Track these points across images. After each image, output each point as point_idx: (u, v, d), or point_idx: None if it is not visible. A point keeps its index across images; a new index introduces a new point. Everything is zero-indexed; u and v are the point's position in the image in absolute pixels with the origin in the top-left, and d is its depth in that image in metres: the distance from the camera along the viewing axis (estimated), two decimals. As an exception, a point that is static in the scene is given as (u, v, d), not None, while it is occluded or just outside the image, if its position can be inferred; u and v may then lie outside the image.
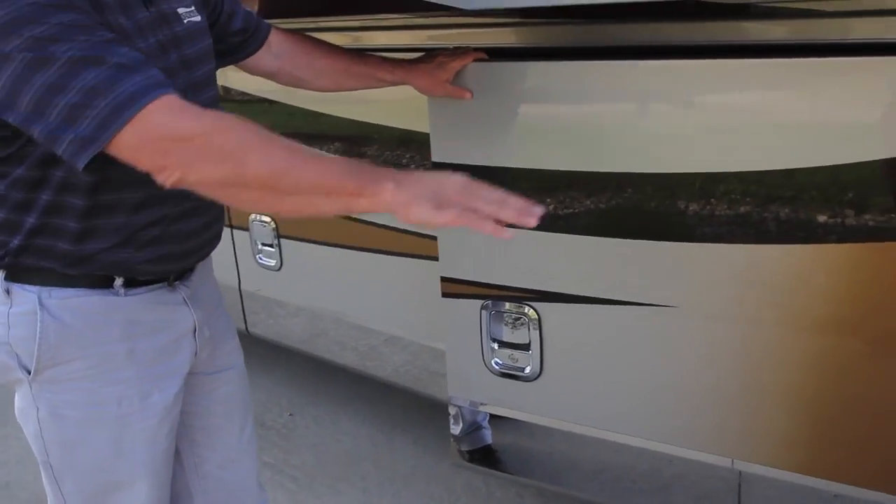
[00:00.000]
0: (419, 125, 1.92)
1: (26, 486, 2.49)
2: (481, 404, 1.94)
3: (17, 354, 1.17)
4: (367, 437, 2.75)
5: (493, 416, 2.22)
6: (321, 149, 2.29)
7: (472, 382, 1.89)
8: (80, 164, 0.96)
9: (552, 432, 1.91)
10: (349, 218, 2.28)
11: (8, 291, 1.16)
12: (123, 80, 0.94)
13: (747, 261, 1.46)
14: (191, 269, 1.31)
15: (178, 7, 1.21)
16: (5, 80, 0.94)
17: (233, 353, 1.46)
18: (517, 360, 1.79)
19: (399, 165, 2.10)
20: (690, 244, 1.51)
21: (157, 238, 1.19)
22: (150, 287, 1.23)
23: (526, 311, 1.74)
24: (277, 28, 1.54)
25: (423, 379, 2.39)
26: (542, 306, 1.72)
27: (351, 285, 2.40)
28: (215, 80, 1.32)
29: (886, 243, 1.33)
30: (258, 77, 1.60)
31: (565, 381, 1.75)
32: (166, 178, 0.97)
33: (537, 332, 1.74)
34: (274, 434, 2.80)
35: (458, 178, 1.00)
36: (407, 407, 2.83)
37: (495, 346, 1.80)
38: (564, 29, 1.60)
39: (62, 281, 1.16)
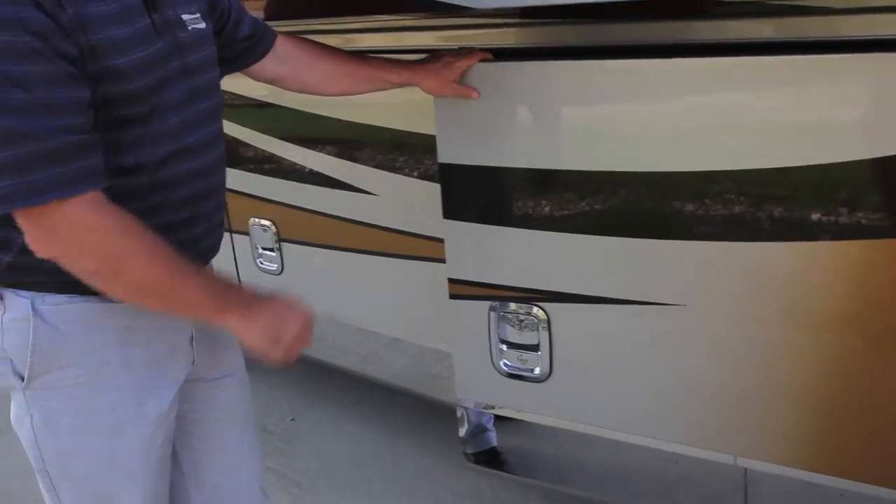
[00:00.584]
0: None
1: (27, 494, 2.47)
2: (490, 406, 1.93)
3: (10, 361, 1.16)
4: (371, 441, 2.73)
5: (498, 418, 2.22)
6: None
7: (480, 384, 1.88)
8: None
9: (557, 433, 1.92)
10: (351, 221, 2.28)
11: (1, 297, 1.15)
12: (36, 170, 0.96)
13: (756, 259, 1.47)
14: None
15: (182, 13, 1.20)
16: None
17: (234, 359, 1.45)
18: (526, 362, 1.79)
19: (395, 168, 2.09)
20: (698, 242, 1.51)
21: None
22: None
23: (534, 311, 1.74)
24: (283, 34, 1.53)
25: (426, 381, 2.40)
26: (550, 307, 1.72)
27: (352, 288, 2.40)
28: (219, 87, 1.31)
29: (897, 240, 1.34)
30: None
31: (575, 381, 1.75)
32: (43, 252, 1.03)
33: (546, 332, 1.74)
34: (276, 439, 2.79)
35: (299, 320, 1.18)
36: (410, 410, 2.82)
37: (504, 347, 1.80)
38: (571, 28, 1.61)
39: (56, 287, 1.14)
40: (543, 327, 1.73)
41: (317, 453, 2.69)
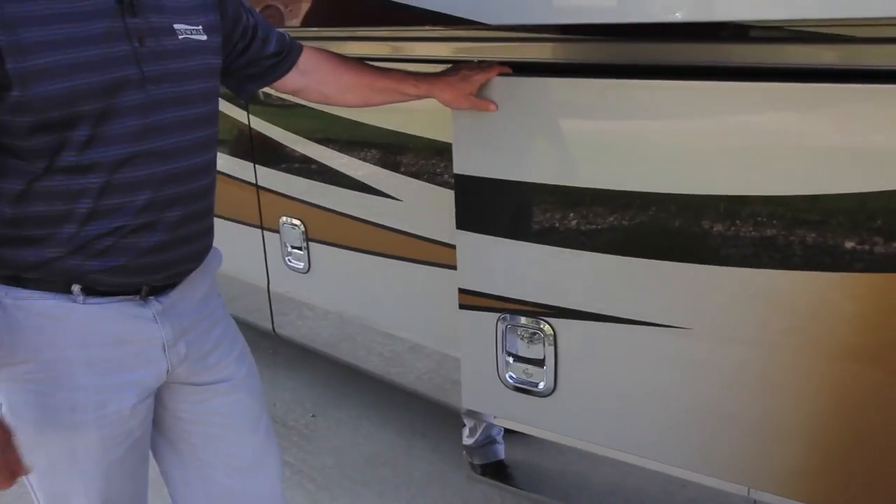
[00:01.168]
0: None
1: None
2: (494, 417, 1.94)
3: None
4: (387, 442, 2.76)
5: (507, 431, 2.22)
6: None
7: (485, 395, 1.89)
8: None
9: (565, 450, 1.91)
10: (375, 224, 2.31)
11: None
12: None
13: (764, 286, 1.44)
14: (171, 286, 1.31)
15: (175, 23, 1.22)
16: None
17: (228, 367, 1.43)
18: (531, 375, 1.79)
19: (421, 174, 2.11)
20: (707, 266, 1.49)
21: (108, 249, 1.19)
22: (116, 298, 1.23)
23: (542, 326, 1.74)
24: (306, 46, 1.56)
25: (446, 388, 2.40)
26: (558, 322, 1.72)
27: (376, 291, 2.43)
28: (212, 98, 1.32)
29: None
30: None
31: (579, 398, 1.75)
32: None
33: (552, 347, 1.73)
34: (296, 434, 2.84)
35: None
36: (428, 414, 2.84)
37: (510, 359, 1.81)
38: (589, 46, 1.60)
39: (20, 282, 1.18)
40: (549, 342, 1.73)
41: (334, 451, 2.73)
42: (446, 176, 2.05)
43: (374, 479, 2.56)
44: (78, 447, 1.23)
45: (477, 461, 2.35)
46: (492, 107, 1.64)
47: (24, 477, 1.21)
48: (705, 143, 1.46)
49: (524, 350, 1.78)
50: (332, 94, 1.61)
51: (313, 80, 1.56)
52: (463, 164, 1.75)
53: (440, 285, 2.12)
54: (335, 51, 1.62)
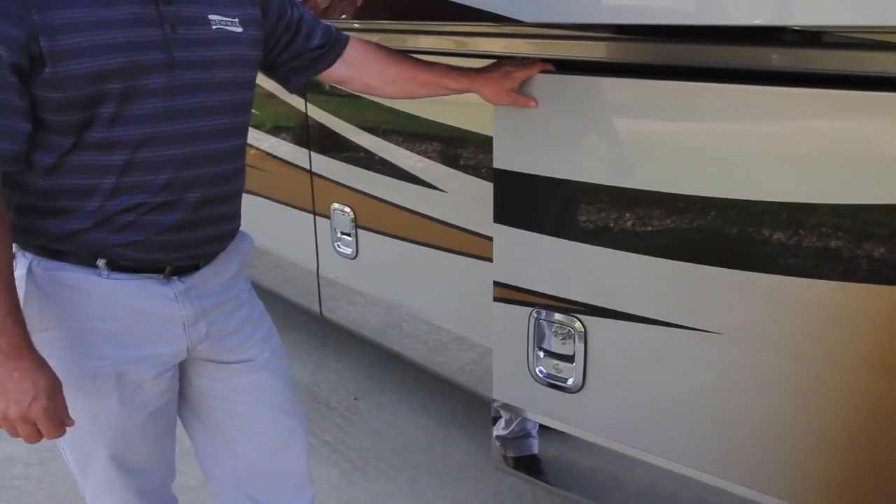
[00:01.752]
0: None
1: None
2: (523, 410, 1.95)
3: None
4: (425, 429, 2.81)
5: (541, 427, 2.22)
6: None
7: (515, 388, 1.91)
8: None
9: (599, 449, 1.90)
10: (420, 214, 2.35)
11: (15, 255, 1.26)
12: None
13: (798, 295, 1.42)
14: (195, 267, 1.36)
15: (210, 14, 1.27)
16: None
17: (251, 349, 1.48)
18: (561, 371, 1.80)
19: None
20: (740, 272, 1.47)
21: (131, 224, 1.25)
22: (139, 275, 1.30)
23: (573, 322, 1.74)
24: (353, 38, 1.60)
25: (486, 380, 2.43)
26: (589, 320, 1.72)
27: (421, 280, 2.47)
28: (241, 87, 1.36)
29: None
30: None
31: (606, 396, 1.75)
32: None
33: (582, 344, 1.74)
34: (337, 415, 2.91)
35: (19, 407, 1.16)
36: (468, 404, 2.87)
37: (540, 354, 1.82)
38: (632, 45, 1.60)
39: (50, 253, 1.26)
40: (580, 339, 1.74)
41: (372, 434, 2.80)
42: (490, 169, 2.07)
43: (410, 465, 2.61)
44: (99, 413, 1.30)
45: (510, 454, 2.36)
46: (532, 103, 1.65)
47: (57, 440, 1.29)
48: (748, 148, 1.44)
49: (555, 345, 1.79)
50: (377, 86, 1.64)
51: (358, 71, 1.59)
52: (502, 159, 1.77)
53: (483, 278, 2.14)
54: (383, 44, 1.66)
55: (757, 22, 1.29)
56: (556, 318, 1.77)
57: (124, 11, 1.17)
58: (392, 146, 2.41)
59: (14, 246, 1.23)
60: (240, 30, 1.32)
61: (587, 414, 1.79)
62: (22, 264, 1.26)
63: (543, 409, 1.88)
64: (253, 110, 1.44)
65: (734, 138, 1.46)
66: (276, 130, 2.95)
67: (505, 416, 2.40)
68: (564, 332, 1.76)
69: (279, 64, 1.51)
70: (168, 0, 1.22)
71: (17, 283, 1.22)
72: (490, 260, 2.02)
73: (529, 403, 1.91)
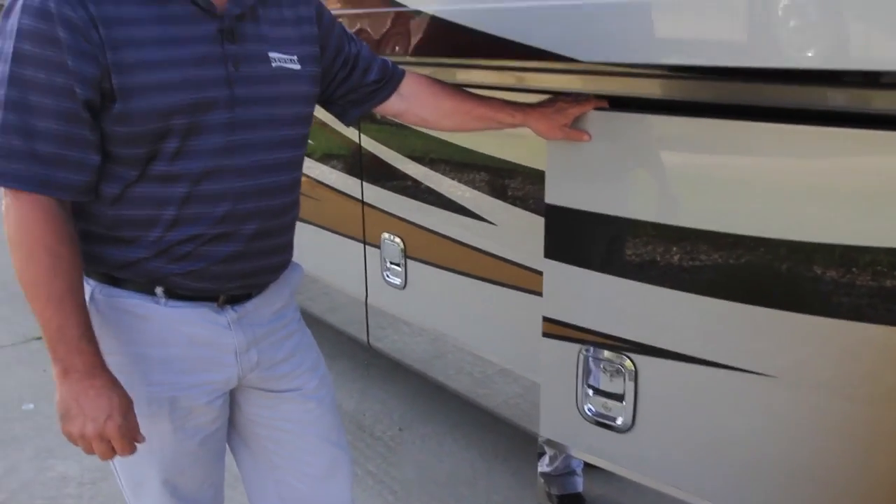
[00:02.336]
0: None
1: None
2: (570, 448, 1.92)
3: None
4: (469, 462, 2.79)
5: (586, 465, 2.19)
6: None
7: (563, 425, 1.89)
8: None
9: (645, 490, 1.87)
10: (469, 246, 2.36)
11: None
12: (7, 160, 1.14)
13: (855, 337, 1.38)
14: (248, 296, 1.39)
15: (270, 51, 1.31)
16: None
17: (299, 378, 1.51)
18: (610, 410, 1.77)
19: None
20: (796, 315, 1.44)
21: (189, 254, 1.28)
22: (195, 303, 1.33)
23: (623, 361, 1.72)
24: (408, 72, 1.63)
25: (531, 415, 2.40)
26: (639, 358, 1.70)
27: (469, 312, 2.47)
28: (300, 122, 1.39)
29: None
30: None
31: (657, 437, 1.71)
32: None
33: (633, 383, 1.71)
34: (381, 445, 2.91)
35: (95, 425, 1.20)
36: (512, 438, 2.84)
37: (590, 392, 1.80)
38: (686, 83, 1.59)
39: (112, 280, 1.30)
40: (630, 378, 1.71)
41: (416, 465, 2.78)
42: (541, 203, 2.07)
43: (453, 497, 2.59)
44: (153, 437, 1.32)
45: (554, 491, 2.34)
46: (585, 137, 1.65)
47: (111, 462, 1.32)
48: (799, 189, 1.42)
49: (605, 383, 1.76)
50: (431, 119, 1.67)
51: (414, 104, 1.62)
52: (555, 195, 1.77)
53: (530, 311, 2.13)
54: (440, 77, 1.68)
55: (811, 66, 1.28)
56: (606, 355, 1.75)
57: (192, 51, 1.22)
58: (443, 177, 2.43)
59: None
60: (298, 67, 1.35)
61: (636, 454, 1.75)
62: (85, 291, 1.30)
63: (591, 448, 1.85)
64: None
65: (786, 178, 1.44)
66: (329, 160, 3.00)
67: (550, 452, 2.37)
68: (614, 369, 1.74)
69: (336, 98, 1.55)
70: (232, 39, 1.26)
71: None
72: (538, 294, 2.01)
73: (577, 441, 1.88)
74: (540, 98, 1.71)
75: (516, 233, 2.20)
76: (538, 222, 2.02)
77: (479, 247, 2.33)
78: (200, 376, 1.36)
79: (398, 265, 2.70)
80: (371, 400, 3.24)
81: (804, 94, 1.42)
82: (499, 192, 2.23)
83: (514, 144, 2.14)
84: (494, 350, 2.42)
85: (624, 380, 1.73)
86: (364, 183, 2.80)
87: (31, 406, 3.16)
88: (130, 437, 1.23)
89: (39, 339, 3.66)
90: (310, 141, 1.47)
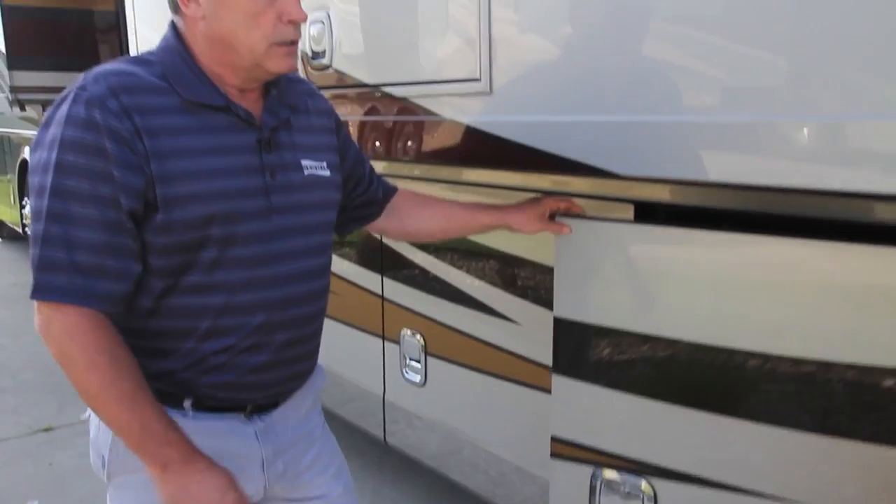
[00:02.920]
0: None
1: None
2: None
3: (102, 456, 1.28)
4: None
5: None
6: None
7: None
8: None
9: None
10: (492, 345, 2.30)
11: None
12: (48, 273, 1.12)
13: (888, 464, 1.28)
14: (274, 405, 1.36)
15: (303, 159, 1.32)
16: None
17: (324, 485, 1.47)
18: (627, 538, 1.66)
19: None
20: (822, 437, 1.36)
21: (222, 366, 1.26)
22: (222, 415, 1.29)
23: (641, 485, 1.62)
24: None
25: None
26: (658, 482, 1.60)
27: (488, 411, 2.38)
28: (329, 228, 1.40)
29: None
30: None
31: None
32: (41, 335, 1.15)
33: (651, 510, 1.61)
34: (395, 548, 2.79)
35: (209, 495, 1.17)
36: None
37: (605, 517, 1.69)
38: (708, 191, 1.55)
39: None
40: (649, 502, 1.61)
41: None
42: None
43: None
44: None
45: None
46: (565, 230, 1.64)
47: None
48: (809, 308, 1.38)
49: (620, 509, 1.66)
50: (414, 231, 1.69)
51: (395, 218, 1.65)
52: (564, 308, 1.71)
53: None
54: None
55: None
56: (622, 479, 1.65)
57: (233, 161, 1.23)
58: (465, 275, 2.40)
59: None
60: (328, 173, 1.37)
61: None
62: None
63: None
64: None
65: (809, 295, 1.38)
66: (349, 255, 3.00)
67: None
68: (632, 494, 1.64)
69: (346, 208, 1.54)
70: (270, 148, 1.27)
71: (107, 427, 1.23)
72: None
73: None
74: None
75: (539, 332, 2.14)
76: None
77: (502, 346, 2.26)
78: None
79: (418, 361, 2.64)
80: (384, 499, 3.12)
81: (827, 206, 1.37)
82: (522, 292, 2.19)
83: (537, 244, 2.10)
84: (513, 449, 2.32)
85: (642, 505, 1.62)
86: (384, 278, 2.77)
87: (36, 503, 3.09)
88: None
89: (46, 431, 3.66)
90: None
